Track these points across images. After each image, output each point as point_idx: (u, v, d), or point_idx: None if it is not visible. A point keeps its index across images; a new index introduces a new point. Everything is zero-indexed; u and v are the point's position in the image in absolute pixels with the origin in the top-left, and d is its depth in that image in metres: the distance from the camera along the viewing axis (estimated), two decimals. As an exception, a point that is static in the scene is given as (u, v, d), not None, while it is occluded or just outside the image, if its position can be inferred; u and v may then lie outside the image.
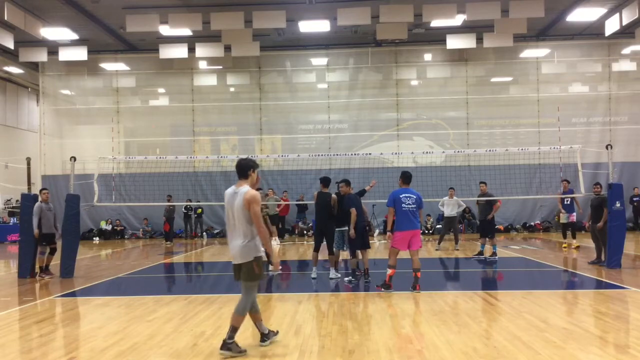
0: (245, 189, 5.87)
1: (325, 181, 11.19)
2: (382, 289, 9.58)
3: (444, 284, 11.12)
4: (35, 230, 11.97)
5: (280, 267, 5.57)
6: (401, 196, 9.48)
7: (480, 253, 14.57)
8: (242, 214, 5.83)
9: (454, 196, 16.72)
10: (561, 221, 16.89)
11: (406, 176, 9.74)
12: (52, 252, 12.38)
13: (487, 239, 14.39)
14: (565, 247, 16.38)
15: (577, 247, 16.04)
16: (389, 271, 9.65)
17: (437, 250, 16.54)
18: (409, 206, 9.43)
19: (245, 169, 6.03)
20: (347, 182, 11.07)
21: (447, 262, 14.31)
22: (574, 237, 16.51)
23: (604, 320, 7.24)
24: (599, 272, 11.43)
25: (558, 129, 23.06)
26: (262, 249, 5.97)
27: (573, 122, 23.51)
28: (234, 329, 5.90)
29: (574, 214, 16.34)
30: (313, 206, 11.97)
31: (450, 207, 16.54)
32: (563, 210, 16.48)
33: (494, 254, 14.04)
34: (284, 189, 22.71)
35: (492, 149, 19.36)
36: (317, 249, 11.28)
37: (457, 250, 16.31)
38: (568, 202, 16.28)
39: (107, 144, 24.01)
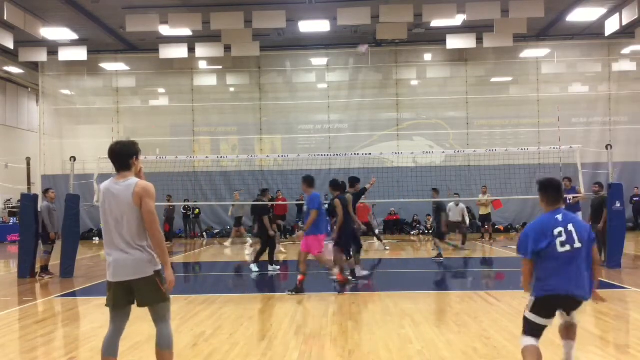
0: (132, 180, 4.45)
1: (353, 181, 11.40)
2: (293, 293, 9.36)
3: (444, 284, 11.11)
4: (52, 233, 12.03)
5: (170, 290, 4.75)
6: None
7: (440, 255, 14.39)
8: (131, 213, 4.35)
9: (460, 204, 16.80)
10: None
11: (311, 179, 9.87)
12: (51, 251, 12.39)
13: (438, 240, 14.47)
14: None
15: None
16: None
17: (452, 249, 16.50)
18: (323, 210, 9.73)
19: (125, 156, 4.55)
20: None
21: (448, 262, 14.30)
22: None
23: (604, 320, 7.24)
24: (599, 272, 11.42)
25: (558, 129, 23.06)
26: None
27: (573, 122, 23.50)
28: None
29: (579, 213, 16.21)
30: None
31: (454, 213, 16.62)
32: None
33: (440, 255, 14.00)
34: (278, 189, 22.64)
35: (492, 149, 19.38)
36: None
37: (466, 250, 16.20)
38: (570, 202, 16.16)
39: (107, 144, 23.28)
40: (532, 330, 4.63)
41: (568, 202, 16.19)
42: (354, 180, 11.53)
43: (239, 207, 20.24)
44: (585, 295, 4.70)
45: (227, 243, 20.01)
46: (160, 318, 4.53)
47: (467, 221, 17.55)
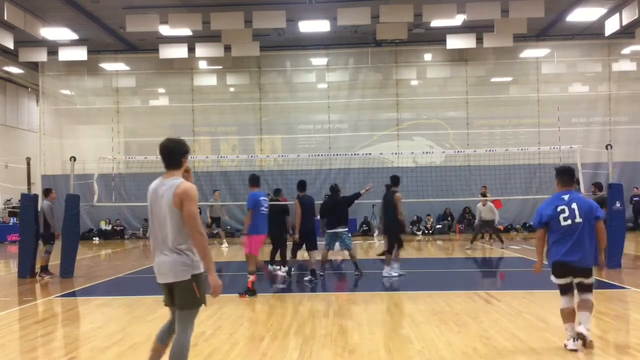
0: (176, 181, 4.30)
1: (395, 180, 11.46)
2: (247, 296, 9.31)
3: (444, 284, 11.09)
4: (56, 232, 12.10)
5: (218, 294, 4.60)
6: (260, 199, 9.61)
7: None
8: (171, 214, 4.24)
9: (487, 202, 16.78)
10: None
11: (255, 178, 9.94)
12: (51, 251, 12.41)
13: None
14: None
15: None
16: (251, 277, 9.40)
17: (467, 249, 16.44)
18: (265, 210, 9.65)
19: (176, 154, 4.46)
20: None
21: (447, 262, 14.31)
22: None
23: (604, 320, 7.24)
24: (599, 272, 11.43)
25: (558, 129, 23.05)
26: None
27: (573, 122, 23.50)
28: None
29: None
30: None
31: (485, 212, 16.57)
32: None
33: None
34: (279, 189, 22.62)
35: (492, 149, 19.37)
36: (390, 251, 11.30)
37: (504, 249, 16.15)
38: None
39: (107, 144, 24.00)
40: (561, 289, 5.91)
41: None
42: (396, 180, 11.58)
43: (218, 208, 20.15)
44: (585, 263, 5.75)
45: (224, 246, 19.83)
46: (182, 325, 4.38)
47: (496, 219, 17.39)
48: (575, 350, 5.77)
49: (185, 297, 4.30)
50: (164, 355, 4.48)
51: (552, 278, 5.91)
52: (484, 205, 16.85)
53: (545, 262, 6.00)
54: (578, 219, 5.74)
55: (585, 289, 5.90)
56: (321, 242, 11.35)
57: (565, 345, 5.83)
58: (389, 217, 11.32)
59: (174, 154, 4.43)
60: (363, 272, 11.27)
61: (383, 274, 11.14)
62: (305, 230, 10.89)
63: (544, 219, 5.90)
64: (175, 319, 4.41)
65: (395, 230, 11.24)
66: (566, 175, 6.08)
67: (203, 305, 4.42)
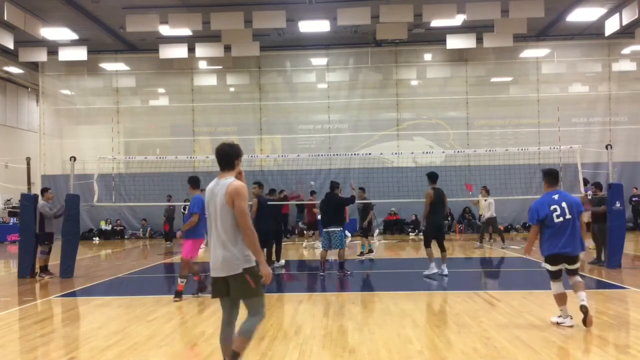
0: (228, 180, 4.66)
1: (433, 177, 11.21)
2: (197, 294, 9.15)
3: (444, 284, 11.09)
4: (54, 211, 12.25)
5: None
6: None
7: (362, 253, 14.98)
8: (226, 212, 4.60)
9: (487, 199, 16.91)
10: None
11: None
12: (49, 251, 12.38)
13: (366, 238, 15.14)
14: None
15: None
16: (182, 282, 9.13)
17: (476, 248, 16.73)
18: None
19: (231, 156, 4.81)
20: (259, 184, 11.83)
21: (447, 262, 14.28)
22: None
23: (604, 320, 7.24)
24: (599, 272, 11.43)
25: (558, 129, 23.05)
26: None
27: (573, 122, 23.50)
28: (235, 356, 4.66)
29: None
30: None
31: (481, 211, 16.84)
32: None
33: (370, 250, 15.08)
34: (281, 189, 22.61)
35: (492, 149, 19.36)
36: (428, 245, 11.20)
37: (504, 248, 16.20)
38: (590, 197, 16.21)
39: (107, 144, 24.00)
40: (554, 275, 6.80)
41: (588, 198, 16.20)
42: (434, 176, 11.28)
43: None
44: (576, 252, 6.72)
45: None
46: (252, 311, 4.73)
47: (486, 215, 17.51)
48: (572, 327, 6.63)
49: (241, 289, 4.62)
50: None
51: (547, 266, 6.81)
52: (485, 200, 16.98)
53: (534, 248, 7.05)
54: (568, 216, 6.65)
55: (575, 272, 6.85)
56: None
57: (561, 324, 6.72)
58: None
59: (229, 156, 4.79)
60: (347, 273, 11.30)
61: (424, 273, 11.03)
62: (263, 230, 10.82)
63: (540, 216, 6.69)
64: (229, 317, 4.79)
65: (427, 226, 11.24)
66: (552, 176, 6.98)
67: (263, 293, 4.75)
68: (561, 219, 6.64)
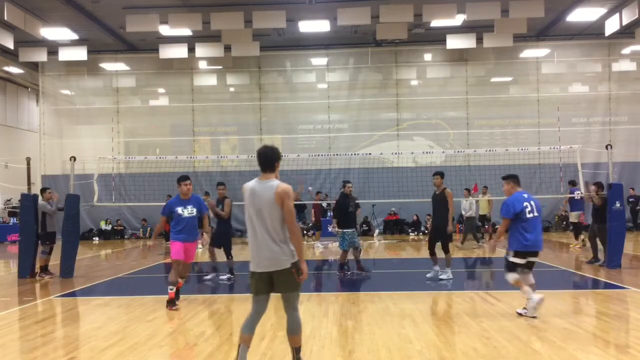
0: (275, 182, 4.98)
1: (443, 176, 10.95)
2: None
3: (444, 284, 11.09)
4: (52, 208, 12.20)
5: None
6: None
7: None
8: (274, 212, 4.91)
9: (469, 198, 17.12)
10: (570, 220, 17.60)
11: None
12: (50, 251, 12.39)
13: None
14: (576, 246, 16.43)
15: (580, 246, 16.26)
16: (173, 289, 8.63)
17: (474, 248, 16.88)
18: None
19: (273, 159, 5.07)
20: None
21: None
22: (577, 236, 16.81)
23: (604, 320, 7.24)
24: (599, 272, 11.43)
25: (558, 129, 23.06)
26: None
27: (573, 122, 23.50)
28: (299, 350, 5.17)
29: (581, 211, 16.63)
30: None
31: (469, 208, 17.06)
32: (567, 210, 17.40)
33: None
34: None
35: (492, 149, 19.37)
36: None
37: (476, 248, 16.39)
38: (579, 199, 16.31)
39: (107, 144, 24.00)
40: (514, 267, 7.46)
41: (577, 199, 16.41)
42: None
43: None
44: (541, 247, 7.47)
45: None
46: (291, 306, 5.01)
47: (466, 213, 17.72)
48: (542, 299, 7.27)
49: (287, 282, 4.92)
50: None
51: (515, 259, 7.39)
52: (466, 200, 17.27)
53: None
54: (536, 213, 7.48)
55: (532, 266, 7.54)
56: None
57: (531, 300, 7.27)
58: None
59: (270, 159, 5.06)
60: (348, 273, 11.31)
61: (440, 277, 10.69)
62: (222, 233, 11.26)
63: (516, 210, 7.41)
64: (261, 309, 5.05)
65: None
66: (517, 178, 7.92)
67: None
68: (531, 215, 7.42)
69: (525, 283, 7.40)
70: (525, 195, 7.59)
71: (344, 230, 11.38)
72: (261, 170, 5.05)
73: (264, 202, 4.91)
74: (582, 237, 16.34)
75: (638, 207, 22.19)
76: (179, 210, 8.88)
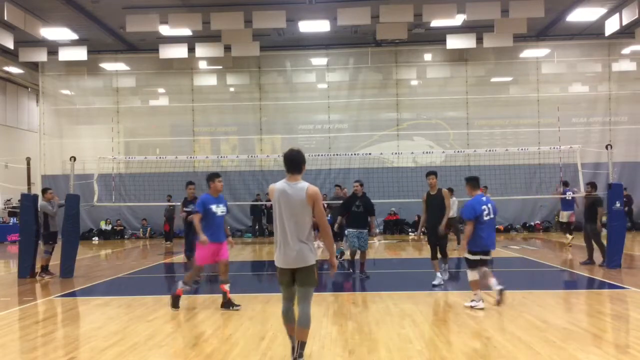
0: (304, 184, 5.25)
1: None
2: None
3: (444, 283, 11.09)
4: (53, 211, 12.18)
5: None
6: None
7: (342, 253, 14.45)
8: (303, 212, 5.21)
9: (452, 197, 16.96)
10: (561, 219, 17.94)
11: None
12: (52, 251, 12.39)
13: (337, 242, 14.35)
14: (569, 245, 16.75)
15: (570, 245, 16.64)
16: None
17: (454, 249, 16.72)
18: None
19: (300, 162, 5.32)
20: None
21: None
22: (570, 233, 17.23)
23: (604, 320, 7.24)
24: (599, 272, 11.43)
25: (558, 129, 23.06)
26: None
27: (573, 122, 23.51)
28: (303, 345, 5.30)
29: (572, 211, 17.15)
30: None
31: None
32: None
33: (342, 253, 14.05)
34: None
35: (492, 149, 19.36)
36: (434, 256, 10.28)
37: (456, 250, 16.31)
38: (570, 199, 16.79)
39: (107, 144, 24.00)
40: (474, 264, 8.04)
41: (568, 199, 16.75)
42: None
43: None
44: (494, 246, 8.19)
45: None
46: (306, 300, 5.27)
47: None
48: (483, 309, 7.75)
49: (308, 278, 5.25)
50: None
51: (469, 256, 8.04)
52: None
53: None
54: (492, 215, 8.05)
55: (487, 263, 8.13)
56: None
57: (474, 307, 7.84)
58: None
59: (297, 161, 5.31)
60: (367, 275, 11.29)
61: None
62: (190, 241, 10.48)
63: (477, 214, 7.91)
64: (290, 295, 5.38)
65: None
66: (476, 181, 8.36)
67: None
68: (489, 217, 7.98)
69: (485, 278, 7.91)
70: (484, 199, 8.10)
71: (347, 230, 11.35)
72: (288, 172, 5.32)
73: (296, 202, 5.19)
74: (572, 237, 16.85)
75: (630, 207, 22.18)
76: (213, 208, 8.28)
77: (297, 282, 5.27)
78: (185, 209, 11.14)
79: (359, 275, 11.39)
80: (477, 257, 8.00)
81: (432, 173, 10.41)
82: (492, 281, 7.79)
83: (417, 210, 22.62)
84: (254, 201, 22.50)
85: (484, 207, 7.96)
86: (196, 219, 8.15)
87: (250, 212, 23.41)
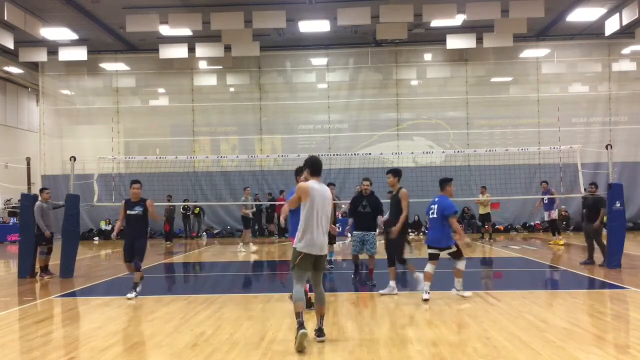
0: (326, 185, 6.38)
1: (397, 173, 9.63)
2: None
3: (444, 284, 11.09)
4: (47, 232, 12.00)
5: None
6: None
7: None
8: (330, 208, 6.30)
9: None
10: (545, 219, 18.81)
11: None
12: (49, 251, 12.37)
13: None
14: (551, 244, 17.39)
15: (562, 244, 17.07)
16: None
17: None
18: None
19: (321, 166, 6.34)
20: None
21: (447, 262, 14.28)
22: (556, 233, 17.68)
23: (604, 320, 7.24)
24: (599, 272, 11.43)
25: (558, 129, 23.07)
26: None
27: (573, 122, 23.52)
28: (322, 317, 6.38)
29: (553, 211, 17.85)
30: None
31: None
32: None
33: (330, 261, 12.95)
34: (282, 189, 22.64)
35: (492, 149, 19.36)
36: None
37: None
38: (547, 202, 17.60)
39: (107, 144, 24.00)
40: (429, 258, 8.89)
41: (545, 202, 17.36)
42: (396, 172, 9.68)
43: (249, 206, 17.95)
44: (440, 245, 8.78)
45: (254, 248, 17.84)
46: (320, 282, 6.37)
47: None
48: (427, 300, 8.49)
49: (323, 264, 6.41)
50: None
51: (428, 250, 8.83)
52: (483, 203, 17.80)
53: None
54: (435, 215, 8.77)
55: (437, 258, 8.82)
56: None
57: (425, 299, 8.54)
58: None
59: (320, 166, 6.33)
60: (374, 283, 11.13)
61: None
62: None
63: (426, 212, 8.98)
64: (306, 280, 6.35)
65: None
66: (444, 181, 9.10)
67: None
68: (432, 216, 8.80)
69: (430, 279, 8.77)
70: (436, 199, 8.87)
71: (353, 232, 10.82)
72: (312, 175, 6.25)
73: (327, 200, 6.24)
74: (560, 236, 17.50)
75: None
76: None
77: (316, 267, 6.22)
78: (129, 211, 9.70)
79: (368, 284, 10.56)
80: (430, 251, 8.79)
81: (389, 171, 9.58)
82: (420, 277, 9.01)
83: (417, 211, 22.64)
84: (254, 201, 22.46)
85: (431, 206, 8.78)
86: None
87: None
